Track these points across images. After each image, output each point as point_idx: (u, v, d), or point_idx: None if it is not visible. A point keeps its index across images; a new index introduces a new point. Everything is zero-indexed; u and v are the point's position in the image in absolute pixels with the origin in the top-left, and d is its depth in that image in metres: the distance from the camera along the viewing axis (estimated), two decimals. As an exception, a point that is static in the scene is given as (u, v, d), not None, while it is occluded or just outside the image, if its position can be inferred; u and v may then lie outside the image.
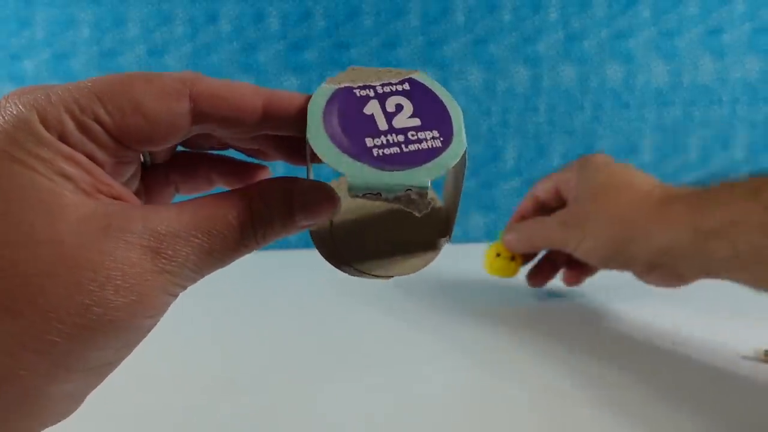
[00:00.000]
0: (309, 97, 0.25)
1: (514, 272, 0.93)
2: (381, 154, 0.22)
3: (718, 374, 0.65)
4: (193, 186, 0.30)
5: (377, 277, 0.25)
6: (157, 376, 0.69)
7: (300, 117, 0.26)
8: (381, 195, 0.21)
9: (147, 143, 0.22)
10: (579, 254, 0.74)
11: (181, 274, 0.22)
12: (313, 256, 0.32)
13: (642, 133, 1.55)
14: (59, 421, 0.22)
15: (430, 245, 0.26)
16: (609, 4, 1.53)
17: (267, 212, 0.23)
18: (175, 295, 0.23)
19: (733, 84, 1.53)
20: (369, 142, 0.23)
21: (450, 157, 0.23)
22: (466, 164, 0.25)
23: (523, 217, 0.93)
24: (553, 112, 1.56)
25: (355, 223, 0.27)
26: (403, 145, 0.23)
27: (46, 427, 0.22)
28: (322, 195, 0.24)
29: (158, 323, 0.23)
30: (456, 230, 1.50)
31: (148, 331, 0.23)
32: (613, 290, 0.99)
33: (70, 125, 0.21)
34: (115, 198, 0.22)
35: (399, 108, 0.24)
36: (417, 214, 0.23)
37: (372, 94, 0.24)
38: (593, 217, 0.69)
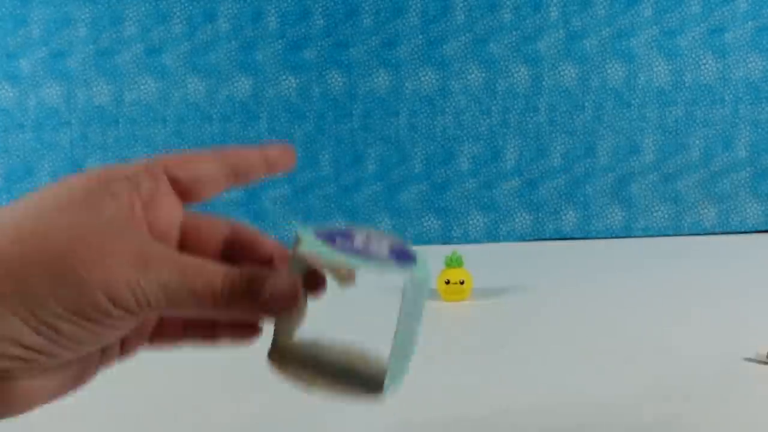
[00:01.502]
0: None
1: (466, 295, 0.97)
2: (339, 243, 0.26)
3: (721, 376, 0.64)
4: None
5: (307, 385, 0.27)
6: (157, 377, 0.69)
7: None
8: (320, 259, 0.25)
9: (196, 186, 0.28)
10: None
11: (155, 280, 0.24)
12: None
13: (644, 132, 1.54)
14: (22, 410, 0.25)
15: (366, 395, 0.28)
16: (610, 3, 1.52)
17: (241, 283, 0.25)
18: (134, 314, 0.25)
19: (735, 83, 1.52)
20: (339, 240, 0.26)
21: (391, 269, 0.25)
22: (418, 308, 0.26)
23: None
24: (554, 112, 1.55)
25: (310, 352, 0.30)
26: (361, 250, 0.26)
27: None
28: (290, 287, 0.26)
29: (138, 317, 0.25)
30: (456, 230, 1.49)
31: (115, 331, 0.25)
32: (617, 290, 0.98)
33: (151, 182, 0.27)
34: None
35: (379, 243, 0.27)
36: (342, 285, 0.27)
37: (366, 236, 0.27)
38: None
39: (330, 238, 0.26)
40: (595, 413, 0.57)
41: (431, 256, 1.05)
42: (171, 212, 0.27)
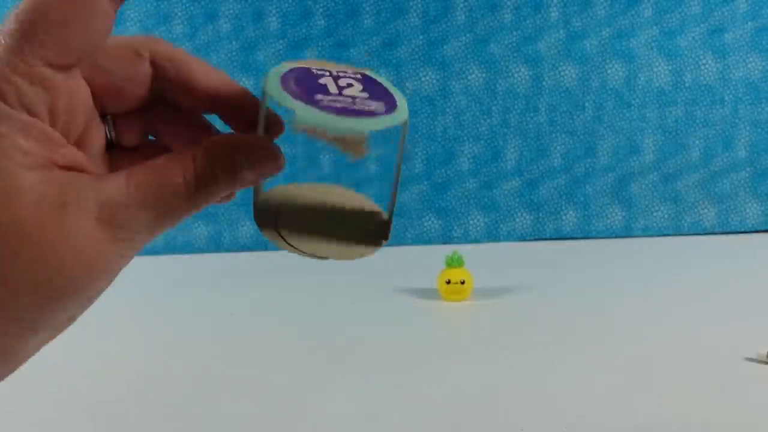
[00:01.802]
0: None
1: (466, 295, 0.97)
2: (329, 104, 0.24)
3: (721, 376, 0.64)
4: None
5: (303, 253, 0.26)
6: (159, 377, 0.69)
7: (251, 100, 0.27)
8: (319, 134, 0.23)
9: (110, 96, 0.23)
10: None
11: (133, 239, 0.24)
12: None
13: (644, 132, 1.54)
14: (13, 371, 0.24)
15: (368, 242, 0.27)
16: (610, 3, 1.52)
17: (210, 170, 0.24)
18: (130, 257, 0.25)
19: (735, 83, 1.52)
20: (319, 97, 0.24)
21: (392, 119, 0.24)
22: (405, 147, 0.26)
23: None
24: (554, 112, 1.56)
25: (299, 203, 0.28)
26: (350, 104, 0.24)
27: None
28: (267, 151, 0.25)
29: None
30: (456, 230, 1.49)
31: (104, 290, 0.25)
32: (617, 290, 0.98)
33: (26, 86, 0.21)
34: (71, 168, 0.23)
35: (350, 85, 0.26)
36: (351, 160, 0.24)
37: (327, 74, 0.26)
38: None
39: (304, 92, 0.24)
40: (595, 413, 0.58)
41: (431, 256, 1.06)
42: (74, 102, 0.23)
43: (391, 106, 0.25)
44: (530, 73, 1.55)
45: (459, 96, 1.56)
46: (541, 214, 1.56)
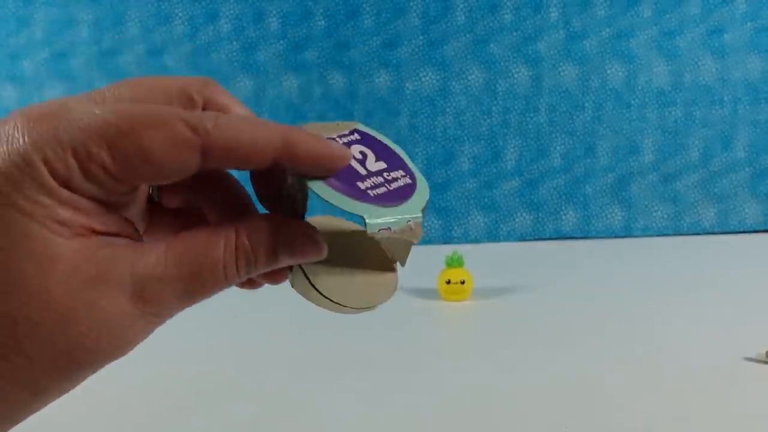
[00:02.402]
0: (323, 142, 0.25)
1: (466, 295, 0.97)
2: (375, 194, 0.24)
3: (721, 375, 0.65)
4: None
5: (341, 306, 0.26)
6: (159, 378, 0.69)
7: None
8: (390, 229, 0.24)
9: (151, 183, 0.23)
10: None
11: (162, 313, 0.23)
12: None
13: (643, 133, 1.54)
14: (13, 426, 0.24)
15: (389, 270, 0.28)
16: (610, 4, 1.52)
17: (253, 251, 0.23)
18: (154, 330, 0.24)
19: (734, 84, 1.53)
20: (361, 185, 0.25)
21: (425, 189, 0.26)
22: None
23: None
24: (554, 112, 1.56)
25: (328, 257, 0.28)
26: (386, 185, 0.25)
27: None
28: (308, 239, 0.25)
29: (161, 325, 0.24)
30: (456, 230, 1.50)
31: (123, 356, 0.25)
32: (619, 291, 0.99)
33: (76, 172, 0.21)
34: (111, 234, 0.22)
35: (364, 155, 0.26)
36: (415, 241, 0.25)
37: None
38: None
39: (348, 185, 0.24)
40: (595, 413, 0.58)
41: (431, 256, 1.06)
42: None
43: (407, 170, 0.26)
44: (530, 73, 1.55)
45: (459, 96, 1.56)
46: (540, 214, 1.56)
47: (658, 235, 1.54)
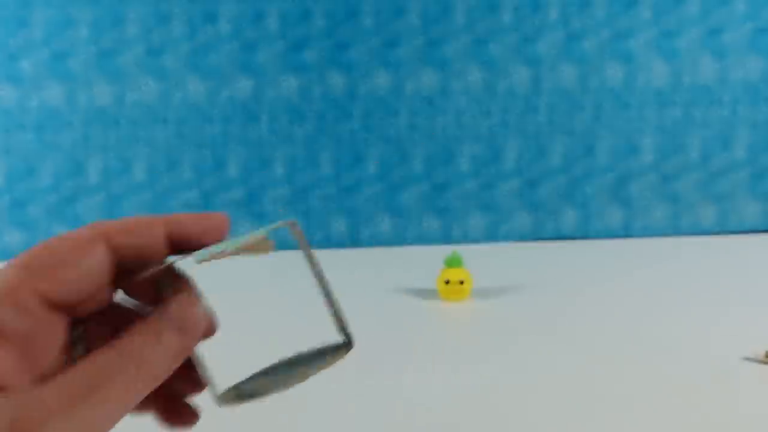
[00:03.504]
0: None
1: (465, 295, 0.97)
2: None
3: (721, 375, 0.65)
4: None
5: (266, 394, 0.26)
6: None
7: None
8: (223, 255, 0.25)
9: (77, 293, 0.22)
10: None
11: None
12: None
13: (642, 133, 1.54)
14: None
15: (338, 351, 0.27)
16: (609, 4, 1.52)
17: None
18: None
19: (733, 84, 1.53)
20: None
21: (280, 224, 0.27)
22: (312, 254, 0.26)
23: None
24: (554, 113, 1.56)
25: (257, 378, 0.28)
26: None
27: None
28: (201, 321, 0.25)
29: None
30: (456, 230, 1.49)
31: None
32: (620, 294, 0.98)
33: (10, 313, 0.21)
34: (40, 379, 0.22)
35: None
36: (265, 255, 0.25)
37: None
38: None
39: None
40: (594, 412, 0.58)
41: (431, 256, 1.06)
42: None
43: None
44: (530, 73, 1.55)
45: (459, 96, 1.56)
46: (540, 215, 1.56)
47: (657, 235, 1.54)
